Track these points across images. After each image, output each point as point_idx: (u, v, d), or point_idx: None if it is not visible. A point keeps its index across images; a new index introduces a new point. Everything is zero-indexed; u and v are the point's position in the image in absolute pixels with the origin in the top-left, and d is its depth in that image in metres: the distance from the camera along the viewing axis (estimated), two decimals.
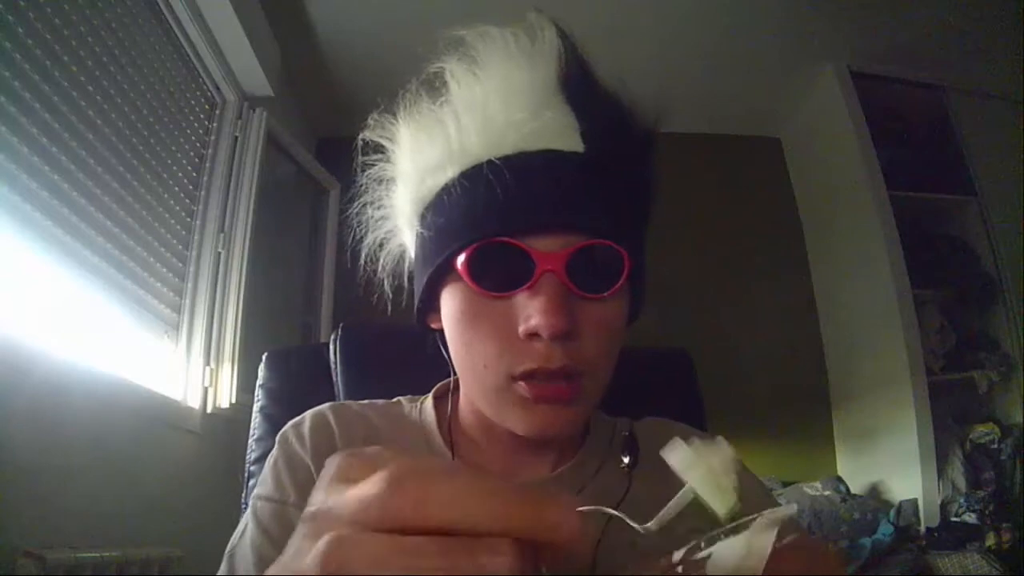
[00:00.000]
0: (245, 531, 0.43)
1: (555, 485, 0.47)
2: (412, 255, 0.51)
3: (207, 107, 1.55)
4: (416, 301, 0.49)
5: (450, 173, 0.45)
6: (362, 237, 0.53)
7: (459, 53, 0.46)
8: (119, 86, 1.15)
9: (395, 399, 0.55)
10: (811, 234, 2.37)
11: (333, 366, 0.71)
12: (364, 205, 0.53)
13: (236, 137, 1.59)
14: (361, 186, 0.52)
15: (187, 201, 1.43)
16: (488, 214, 0.41)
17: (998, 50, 1.99)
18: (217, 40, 1.47)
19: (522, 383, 0.41)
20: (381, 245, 0.53)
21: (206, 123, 1.54)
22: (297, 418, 0.51)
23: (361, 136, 0.49)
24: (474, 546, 0.18)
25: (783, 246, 2.37)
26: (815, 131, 2.28)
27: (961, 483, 1.76)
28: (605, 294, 0.42)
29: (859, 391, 2.08)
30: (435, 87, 0.47)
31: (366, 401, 0.54)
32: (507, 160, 0.42)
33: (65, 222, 0.97)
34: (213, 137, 1.54)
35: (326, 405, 0.52)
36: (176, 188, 1.37)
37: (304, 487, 0.44)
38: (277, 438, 0.49)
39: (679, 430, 0.55)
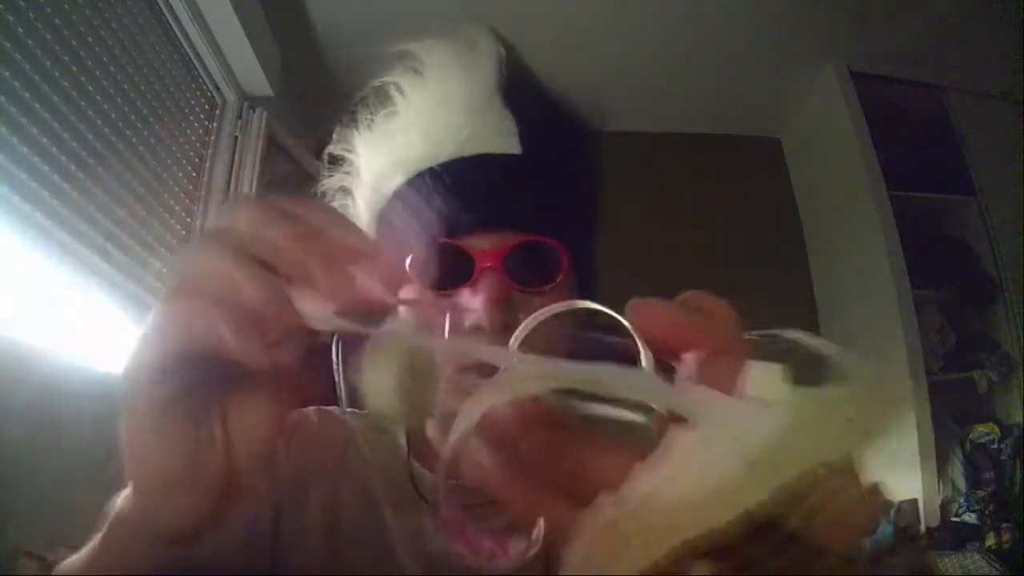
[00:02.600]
0: None
1: None
2: None
3: (207, 107, 1.55)
4: None
5: (397, 181, 0.47)
6: None
7: (404, 65, 0.48)
8: (119, 86, 1.15)
9: None
10: (811, 234, 2.37)
11: (335, 365, 0.71)
12: None
13: (236, 137, 1.58)
14: (325, 196, 0.55)
15: (187, 201, 1.43)
16: (428, 218, 0.44)
17: (998, 50, 1.99)
18: (217, 40, 1.47)
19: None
20: None
21: (206, 123, 1.54)
22: (293, 422, 0.52)
23: (327, 151, 0.52)
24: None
25: (783, 246, 2.37)
26: (815, 131, 2.28)
27: (961, 483, 1.76)
28: (544, 288, 0.43)
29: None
30: (386, 98, 0.50)
31: (350, 410, 0.55)
32: (446, 166, 0.45)
33: (65, 222, 0.96)
34: (213, 137, 1.54)
35: (322, 413, 0.54)
36: (176, 188, 1.37)
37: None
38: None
39: None
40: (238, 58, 1.53)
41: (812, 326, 2.28)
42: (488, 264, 0.42)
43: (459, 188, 0.44)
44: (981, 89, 2.16)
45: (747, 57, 2.09)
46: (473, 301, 0.42)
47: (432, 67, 0.48)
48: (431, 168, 0.45)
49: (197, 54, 1.46)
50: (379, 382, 0.22)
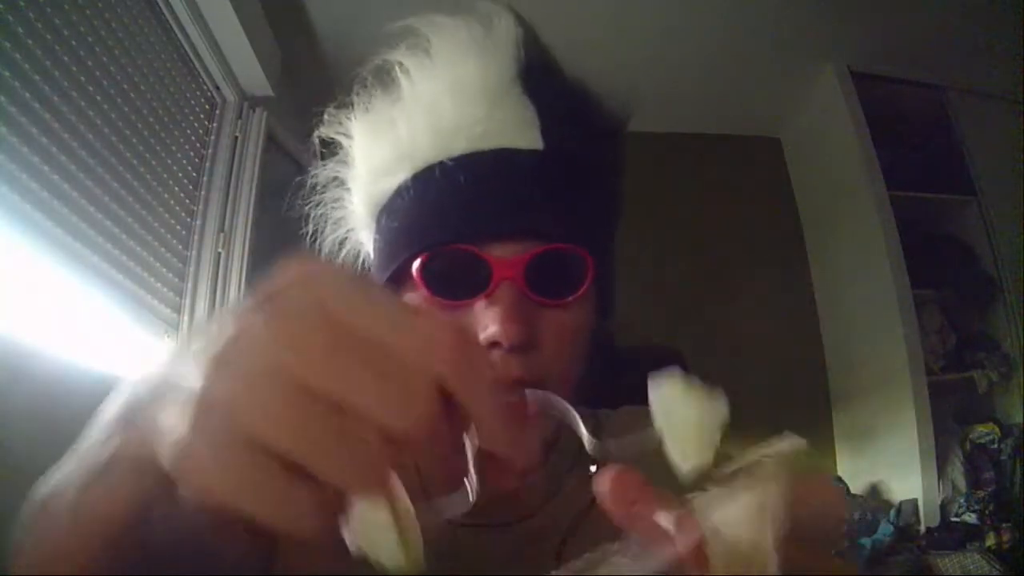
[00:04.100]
0: None
1: (528, 495, 0.45)
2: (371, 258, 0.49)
3: (207, 107, 1.55)
4: None
5: (402, 175, 0.42)
6: (321, 236, 0.51)
7: (410, 44, 0.43)
8: (119, 86, 1.15)
9: None
10: (811, 234, 2.37)
11: None
12: (322, 204, 0.50)
13: (236, 137, 1.58)
14: (318, 185, 0.49)
15: (187, 201, 1.43)
16: (440, 219, 0.40)
17: (998, 50, 1.99)
18: (217, 40, 1.47)
19: None
20: (341, 245, 0.51)
21: (206, 123, 1.54)
22: None
23: (316, 134, 0.47)
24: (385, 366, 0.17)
25: (783, 246, 2.37)
26: (815, 131, 2.28)
27: (961, 483, 1.76)
28: (567, 300, 0.40)
29: (859, 391, 2.08)
30: (388, 80, 0.44)
31: None
32: (459, 161, 0.40)
33: (65, 222, 0.96)
34: (213, 137, 1.54)
35: None
36: (176, 188, 1.37)
37: None
38: None
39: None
40: (238, 58, 1.53)
41: (812, 326, 2.29)
42: (506, 274, 0.38)
43: (474, 186, 0.39)
44: (981, 89, 2.16)
45: (747, 57, 2.09)
46: (488, 314, 0.38)
47: (443, 48, 0.42)
48: (441, 162, 0.40)
49: (197, 54, 1.46)
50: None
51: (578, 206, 0.41)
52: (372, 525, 0.18)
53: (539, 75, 0.42)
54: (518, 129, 0.41)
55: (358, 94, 0.45)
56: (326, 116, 0.47)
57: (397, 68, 0.43)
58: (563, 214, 0.40)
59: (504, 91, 0.41)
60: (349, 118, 0.46)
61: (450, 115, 0.41)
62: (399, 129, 0.42)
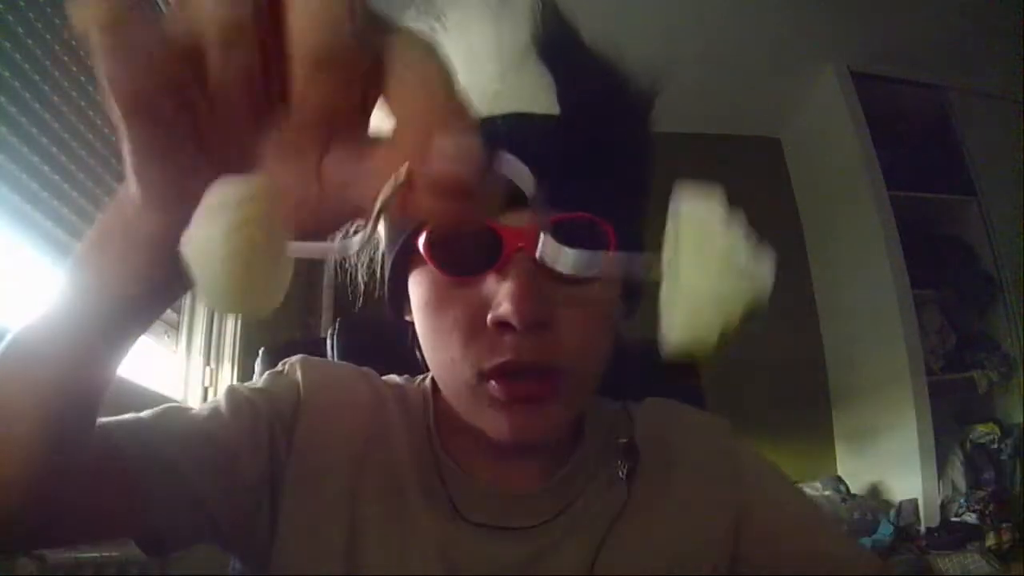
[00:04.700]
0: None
1: (545, 501, 0.43)
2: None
3: None
4: (384, 289, 0.44)
5: None
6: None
7: (421, 10, 0.41)
8: None
9: (390, 377, 0.51)
10: (811, 234, 2.37)
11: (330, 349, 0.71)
12: None
13: None
14: None
15: None
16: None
17: (998, 50, 1.98)
18: None
19: (493, 381, 0.37)
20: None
21: None
22: (324, 362, 0.48)
23: None
24: None
25: (783, 246, 2.37)
26: (815, 131, 2.28)
27: (961, 483, 1.76)
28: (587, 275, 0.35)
29: (859, 391, 2.08)
30: None
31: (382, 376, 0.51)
32: None
33: (65, 222, 0.96)
34: None
35: (355, 369, 0.49)
36: None
37: (277, 427, 0.42)
38: (297, 363, 0.46)
39: (685, 412, 0.52)
40: None
41: (812, 326, 2.29)
42: (520, 245, 0.35)
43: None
44: (981, 89, 2.16)
45: (747, 57, 2.09)
46: (501, 290, 0.35)
47: (456, 16, 0.41)
48: None
49: None
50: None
51: (598, 176, 0.39)
52: (209, 225, 0.14)
53: (557, 43, 0.40)
54: (534, 94, 0.39)
55: None
56: None
57: None
58: (582, 181, 0.37)
59: (519, 57, 0.40)
60: None
61: (464, 79, 0.39)
62: None
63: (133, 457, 0.34)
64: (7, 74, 0.86)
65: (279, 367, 0.47)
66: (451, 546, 0.41)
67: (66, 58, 0.99)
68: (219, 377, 1.40)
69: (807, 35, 2.00)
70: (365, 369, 0.50)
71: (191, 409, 0.41)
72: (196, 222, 0.15)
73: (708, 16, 1.90)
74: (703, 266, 0.15)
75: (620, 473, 0.44)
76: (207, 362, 1.39)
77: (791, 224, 2.40)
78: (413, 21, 0.41)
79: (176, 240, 0.15)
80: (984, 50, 2.02)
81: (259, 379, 0.46)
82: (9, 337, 0.27)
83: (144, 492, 0.34)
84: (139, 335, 0.26)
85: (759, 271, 0.16)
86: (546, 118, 0.38)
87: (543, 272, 0.35)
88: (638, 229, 0.42)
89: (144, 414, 0.38)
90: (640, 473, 0.44)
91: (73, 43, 1.01)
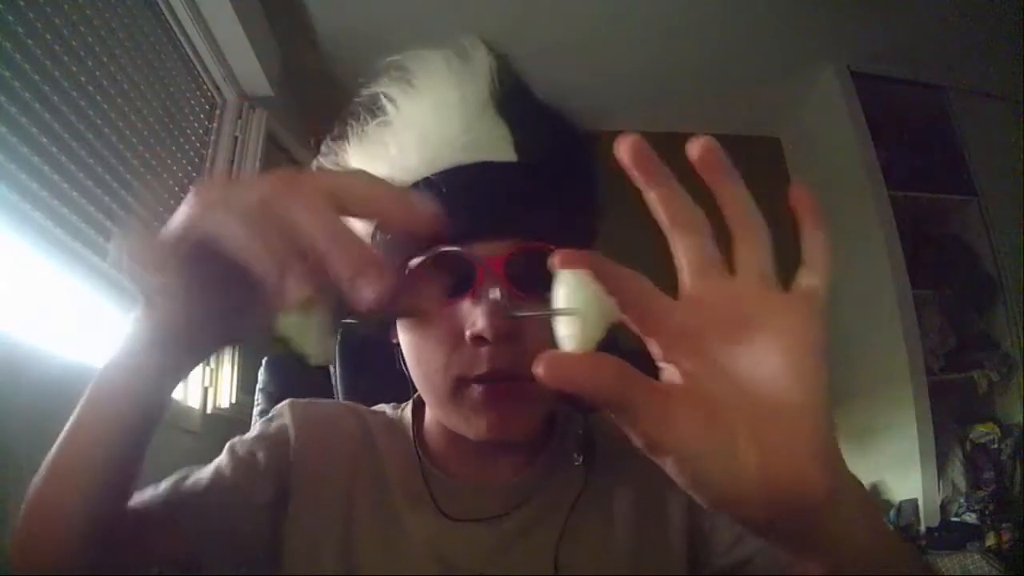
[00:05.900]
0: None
1: (519, 490, 0.49)
2: None
3: (207, 107, 1.55)
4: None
5: None
6: None
7: (394, 76, 0.48)
8: (119, 86, 1.15)
9: (378, 406, 0.58)
10: None
11: (332, 369, 0.71)
12: None
13: (236, 137, 1.58)
14: None
15: None
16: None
17: (998, 50, 1.99)
18: (217, 40, 1.47)
19: (472, 387, 0.43)
20: None
21: (206, 123, 1.54)
22: (310, 401, 0.54)
23: (316, 162, 0.52)
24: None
25: (783, 246, 2.37)
26: (815, 131, 2.28)
27: (961, 483, 1.76)
28: (548, 295, 0.42)
29: (859, 391, 2.08)
30: (377, 109, 0.49)
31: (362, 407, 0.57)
32: (444, 174, 0.45)
33: (65, 222, 0.96)
34: (213, 137, 1.54)
35: (341, 404, 0.55)
36: (176, 188, 1.37)
37: (275, 465, 0.48)
38: (285, 405, 0.53)
39: None
40: (238, 58, 1.52)
41: None
42: (489, 270, 0.42)
43: (459, 195, 0.43)
44: (981, 89, 2.17)
45: (747, 57, 2.09)
46: (475, 310, 0.41)
47: (424, 77, 0.48)
48: (428, 177, 0.45)
49: (197, 54, 1.46)
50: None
51: (552, 208, 0.46)
52: (297, 319, 0.25)
53: (511, 97, 0.48)
54: (494, 144, 0.46)
55: (351, 125, 0.50)
56: (323, 148, 0.52)
57: (384, 98, 0.49)
58: (538, 215, 0.45)
59: (481, 112, 0.47)
60: (344, 146, 0.51)
61: (434, 134, 0.46)
62: (390, 149, 0.47)
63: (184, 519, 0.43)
64: (7, 74, 0.86)
65: (270, 414, 0.54)
66: (437, 541, 0.46)
67: (66, 58, 0.99)
68: (219, 377, 1.40)
69: (807, 35, 2.00)
70: (351, 403, 0.58)
71: (200, 469, 0.48)
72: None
73: (708, 16, 1.90)
74: (582, 306, 0.27)
75: (576, 461, 0.51)
76: (207, 362, 1.39)
77: (791, 224, 2.39)
78: (387, 85, 0.48)
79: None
80: (984, 50, 2.02)
81: (253, 428, 0.53)
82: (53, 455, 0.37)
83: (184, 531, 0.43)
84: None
85: (612, 303, 0.27)
86: (506, 164, 0.46)
87: (509, 293, 0.42)
88: (589, 248, 0.49)
89: (163, 486, 0.45)
90: (597, 460, 0.50)
91: (73, 43, 1.01)
